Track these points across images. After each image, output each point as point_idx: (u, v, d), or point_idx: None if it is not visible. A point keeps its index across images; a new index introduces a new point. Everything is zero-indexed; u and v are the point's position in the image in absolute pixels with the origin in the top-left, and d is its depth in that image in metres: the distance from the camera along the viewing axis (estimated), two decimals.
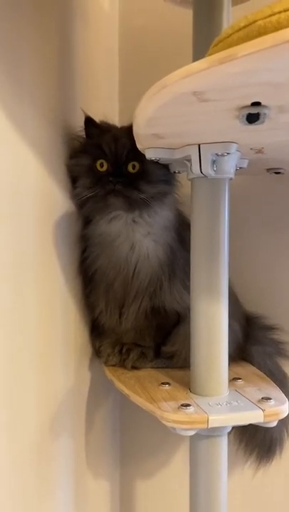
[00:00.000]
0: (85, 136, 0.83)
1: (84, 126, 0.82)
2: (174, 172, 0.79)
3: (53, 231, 0.76)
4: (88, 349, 0.91)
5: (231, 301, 0.79)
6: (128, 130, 0.75)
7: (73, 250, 0.85)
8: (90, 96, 0.94)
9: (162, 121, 0.56)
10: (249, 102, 0.49)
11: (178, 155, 0.69)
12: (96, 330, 0.91)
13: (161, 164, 0.78)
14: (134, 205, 0.78)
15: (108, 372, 0.84)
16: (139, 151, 0.75)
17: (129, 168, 0.78)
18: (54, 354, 0.78)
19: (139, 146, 0.69)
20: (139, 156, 0.76)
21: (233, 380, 0.78)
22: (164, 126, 0.59)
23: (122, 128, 0.82)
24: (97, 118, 0.84)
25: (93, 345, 0.91)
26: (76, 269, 0.85)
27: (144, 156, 0.75)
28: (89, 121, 0.82)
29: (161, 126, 0.58)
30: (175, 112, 0.53)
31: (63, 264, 0.80)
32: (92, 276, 0.85)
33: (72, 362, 0.84)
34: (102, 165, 0.79)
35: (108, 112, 1.04)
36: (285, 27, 0.39)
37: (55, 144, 0.78)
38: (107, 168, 0.78)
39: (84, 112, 0.82)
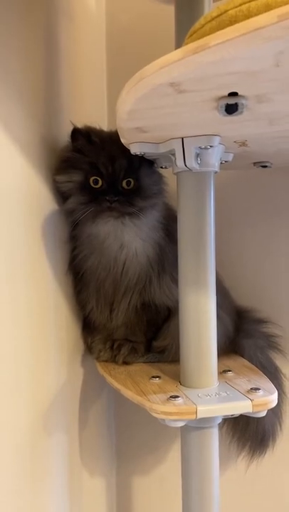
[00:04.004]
0: (72, 148, 0.81)
1: (71, 139, 0.81)
2: (161, 167, 0.80)
3: (43, 230, 0.77)
4: (80, 345, 0.92)
5: (221, 294, 0.80)
6: (120, 141, 0.75)
7: (63, 249, 0.85)
8: (77, 96, 0.95)
9: (143, 114, 0.57)
10: (226, 93, 0.50)
11: (162, 149, 0.70)
12: (87, 326, 0.91)
13: (154, 177, 0.80)
14: (126, 215, 0.79)
15: (100, 368, 0.85)
16: (134, 167, 0.77)
17: (124, 184, 0.78)
18: (46, 351, 0.78)
19: (123, 141, 0.70)
20: (134, 173, 0.78)
21: (223, 372, 0.79)
22: (145, 119, 0.59)
23: (113, 138, 0.78)
24: (85, 119, 0.84)
25: (85, 342, 0.92)
26: (66, 268, 0.86)
27: (139, 171, 0.77)
28: (77, 132, 0.80)
29: (142, 119, 0.59)
30: (154, 104, 0.53)
31: (54, 262, 0.81)
32: (83, 275, 0.86)
33: (64, 358, 0.85)
34: (96, 182, 0.78)
35: (96, 111, 1.05)
36: (255, 15, 0.40)
37: (42, 143, 0.78)
38: (101, 184, 0.78)
39: (72, 123, 0.80)
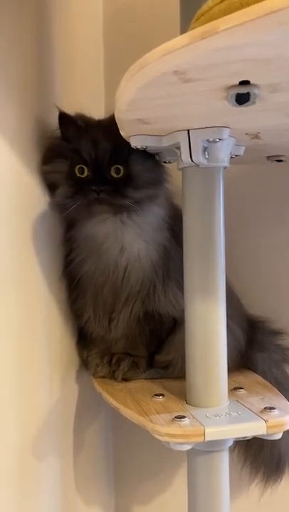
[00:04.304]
0: (60, 135, 0.82)
1: (59, 125, 0.81)
2: (164, 162, 0.80)
3: (34, 230, 0.77)
4: (75, 360, 0.92)
5: (231, 303, 0.80)
6: (109, 126, 0.76)
7: (57, 252, 0.86)
8: (71, 83, 0.95)
9: (145, 105, 0.58)
10: (237, 81, 0.51)
11: (166, 142, 0.70)
12: (83, 339, 0.92)
13: (148, 164, 0.80)
14: (121, 209, 0.79)
15: (97, 385, 0.85)
16: (123, 153, 0.77)
17: (113, 172, 0.78)
18: (36, 366, 0.78)
19: (122, 134, 0.70)
20: (122, 159, 0.78)
21: (234, 389, 0.79)
22: (147, 110, 0.60)
23: (101, 124, 0.82)
24: (79, 107, 0.84)
25: (80, 356, 0.92)
26: (60, 274, 0.87)
27: (129, 157, 0.77)
28: (64, 118, 0.81)
29: (144, 110, 0.59)
30: (157, 94, 0.54)
31: (46, 267, 0.81)
32: (79, 281, 0.86)
33: (57, 374, 0.85)
34: (81, 171, 0.79)
35: (93, 100, 1.05)
36: None
37: (33, 133, 0.79)
38: (87, 174, 0.79)
39: (58, 108, 0.81)
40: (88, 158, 0.78)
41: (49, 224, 0.83)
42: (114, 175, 0.78)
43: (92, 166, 0.78)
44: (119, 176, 0.78)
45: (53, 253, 0.84)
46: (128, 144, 0.73)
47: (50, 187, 0.81)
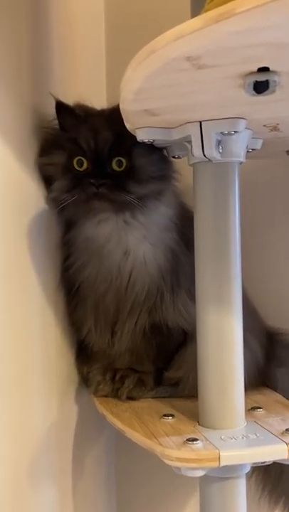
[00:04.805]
0: (58, 126, 0.83)
1: (56, 115, 0.83)
2: (173, 157, 0.81)
3: (28, 234, 0.78)
4: (74, 377, 0.93)
5: (247, 313, 0.80)
6: (110, 116, 0.77)
7: (53, 258, 0.87)
8: (70, 72, 0.96)
9: (153, 94, 0.59)
10: (255, 68, 0.52)
11: (176, 135, 0.71)
12: (83, 353, 0.92)
13: (154, 157, 0.80)
14: (124, 207, 0.80)
15: (99, 405, 0.86)
16: (126, 144, 0.78)
17: (114, 165, 0.79)
18: (31, 384, 0.79)
19: (128, 126, 0.71)
20: (125, 150, 0.78)
21: (251, 409, 0.80)
22: (156, 100, 0.61)
23: (102, 113, 0.83)
24: (79, 96, 0.85)
25: (80, 372, 0.93)
26: (57, 280, 0.87)
27: (131, 149, 0.78)
28: (61, 107, 0.82)
29: (152, 99, 0.61)
30: (168, 82, 0.55)
31: (42, 273, 0.82)
32: (78, 288, 0.87)
33: (54, 393, 0.86)
34: (80, 163, 0.80)
35: (94, 88, 1.06)
36: None
37: (28, 126, 0.80)
38: (86, 166, 0.80)
39: (54, 97, 0.82)
40: (87, 149, 0.79)
41: (46, 224, 0.83)
42: (115, 168, 0.79)
43: (91, 158, 0.79)
44: (121, 169, 0.79)
45: (49, 257, 0.85)
46: (132, 134, 0.74)
47: (47, 181, 0.83)
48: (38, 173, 0.82)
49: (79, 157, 0.80)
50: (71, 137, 0.80)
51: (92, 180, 0.78)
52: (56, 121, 0.83)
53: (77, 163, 0.80)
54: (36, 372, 0.80)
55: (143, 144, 0.75)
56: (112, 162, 0.79)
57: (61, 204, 0.79)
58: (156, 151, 0.81)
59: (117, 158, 0.79)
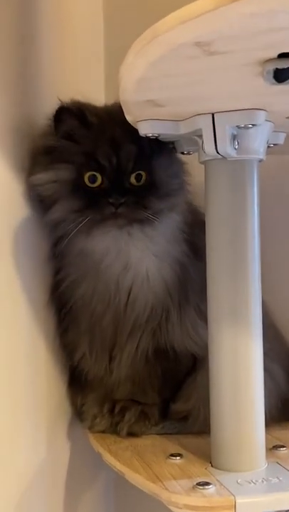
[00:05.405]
0: (57, 133, 0.81)
1: (56, 121, 0.81)
2: (182, 153, 0.81)
3: (14, 244, 0.79)
4: (66, 409, 0.93)
5: (269, 334, 0.80)
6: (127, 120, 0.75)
7: (43, 271, 0.87)
8: (63, 61, 0.97)
9: (158, 83, 0.59)
10: (275, 54, 0.52)
11: (184, 129, 0.71)
12: (77, 381, 0.93)
13: (173, 167, 0.82)
14: (136, 222, 0.80)
15: (94, 441, 0.86)
16: (145, 155, 0.78)
17: (132, 179, 0.80)
18: (16, 417, 0.79)
19: (129, 118, 0.72)
20: (146, 162, 0.79)
21: (273, 448, 0.80)
22: (160, 90, 0.61)
23: (116, 116, 0.79)
24: (74, 90, 0.84)
25: (73, 403, 0.93)
26: (47, 297, 0.88)
27: (150, 160, 0.79)
28: (66, 112, 0.81)
29: (156, 89, 0.61)
30: (174, 70, 0.55)
31: (29, 289, 0.82)
32: (71, 307, 0.87)
33: (42, 428, 0.86)
34: (93, 179, 0.79)
35: (90, 77, 1.06)
36: None
37: (14, 129, 0.80)
38: (101, 182, 0.79)
39: (60, 101, 0.80)
40: (108, 165, 0.79)
41: (33, 236, 0.84)
42: (134, 182, 0.80)
43: (110, 175, 0.79)
44: (140, 183, 0.80)
45: (38, 272, 0.85)
46: (151, 140, 0.74)
47: (45, 202, 0.81)
48: (25, 183, 0.81)
49: (92, 172, 0.79)
50: (84, 150, 0.80)
51: (110, 200, 0.77)
52: (49, 127, 0.82)
53: (89, 179, 0.79)
54: (23, 404, 0.80)
55: (162, 153, 0.77)
56: (130, 176, 0.79)
57: (73, 228, 0.78)
58: (176, 160, 0.83)
59: (137, 172, 0.79)
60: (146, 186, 0.80)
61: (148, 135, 0.73)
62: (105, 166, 0.79)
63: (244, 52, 0.51)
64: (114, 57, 1.06)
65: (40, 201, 0.82)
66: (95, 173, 0.79)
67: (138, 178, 0.80)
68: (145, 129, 0.72)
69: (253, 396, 0.74)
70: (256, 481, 0.71)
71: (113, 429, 0.87)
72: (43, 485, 0.86)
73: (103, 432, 0.88)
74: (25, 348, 0.82)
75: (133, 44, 0.55)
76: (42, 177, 0.80)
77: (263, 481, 0.71)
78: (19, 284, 0.80)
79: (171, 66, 0.54)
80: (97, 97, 0.86)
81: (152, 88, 0.60)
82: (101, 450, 0.83)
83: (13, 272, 0.79)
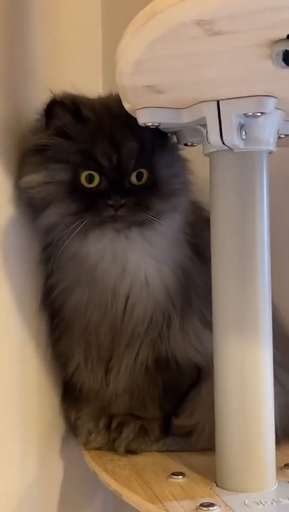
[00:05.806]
0: (48, 129, 0.81)
1: (47, 116, 0.81)
2: (185, 144, 0.81)
3: (1, 247, 0.79)
4: (59, 423, 0.93)
5: (279, 343, 0.81)
6: (128, 114, 0.74)
7: (34, 276, 0.87)
8: (55, 49, 0.97)
9: (157, 66, 0.59)
10: (284, 34, 0.52)
11: (187, 118, 0.72)
12: (70, 394, 0.93)
13: (176, 165, 0.82)
14: (136, 224, 0.81)
15: (89, 459, 0.86)
16: (147, 152, 0.78)
17: (133, 179, 0.80)
18: (4, 433, 0.79)
19: (126, 106, 0.72)
20: (146, 160, 0.79)
21: (284, 466, 0.80)
22: (160, 74, 0.61)
23: (114, 109, 0.80)
24: (69, 81, 0.85)
25: (67, 418, 0.93)
26: (38, 304, 0.88)
27: (151, 157, 0.79)
28: (59, 106, 0.80)
29: (156, 73, 0.61)
30: (174, 52, 0.56)
31: (18, 296, 0.82)
32: (65, 315, 0.88)
33: (33, 444, 0.86)
34: (90, 179, 0.79)
35: (86, 66, 1.07)
36: None
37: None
38: (99, 182, 0.79)
39: (52, 93, 0.80)
40: (107, 164, 0.79)
41: (23, 234, 0.84)
42: (134, 181, 0.80)
43: (109, 174, 0.79)
44: (141, 182, 0.80)
45: (28, 276, 0.86)
46: (152, 136, 0.75)
47: (37, 205, 0.81)
48: (11, 181, 0.81)
49: (89, 172, 0.79)
50: (81, 148, 0.80)
51: (110, 202, 0.78)
52: (38, 123, 0.82)
53: (86, 179, 0.79)
54: (12, 419, 0.81)
55: (164, 150, 0.77)
56: (131, 175, 0.80)
57: (69, 233, 0.78)
58: (178, 157, 0.83)
59: (138, 171, 0.80)
60: (147, 185, 0.80)
61: (147, 124, 0.72)
62: (104, 165, 0.79)
63: (251, 33, 0.51)
64: (113, 48, 1.07)
65: (30, 205, 0.82)
66: (92, 172, 0.79)
67: (139, 176, 0.80)
68: (144, 118, 0.72)
69: (262, 410, 0.74)
70: (265, 502, 0.71)
71: (110, 446, 0.87)
72: (33, 507, 0.86)
73: (99, 448, 0.88)
74: (14, 357, 0.82)
75: (130, 23, 0.55)
76: (33, 178, 0.80)
77: (272, 503, 0.71)
78: (8, 288, 0.80)
79: (170, 47, 0.55)
80: (95, 90, 0.86)
81: (151, 71, 0.60)
82: (96, 469, 0.83)
83: (1, 275, 0.79)
